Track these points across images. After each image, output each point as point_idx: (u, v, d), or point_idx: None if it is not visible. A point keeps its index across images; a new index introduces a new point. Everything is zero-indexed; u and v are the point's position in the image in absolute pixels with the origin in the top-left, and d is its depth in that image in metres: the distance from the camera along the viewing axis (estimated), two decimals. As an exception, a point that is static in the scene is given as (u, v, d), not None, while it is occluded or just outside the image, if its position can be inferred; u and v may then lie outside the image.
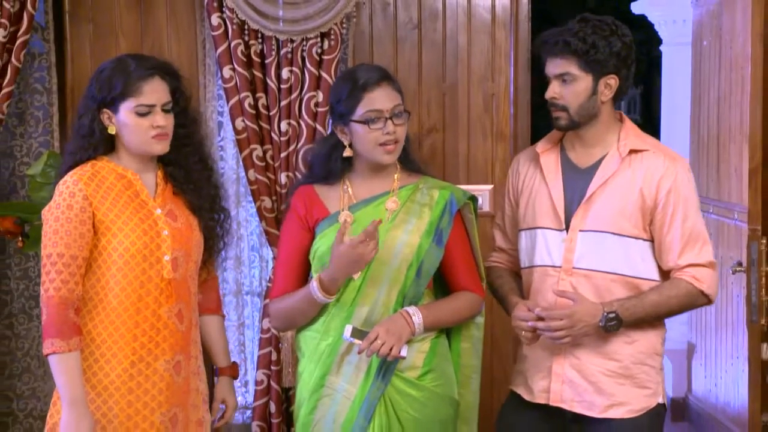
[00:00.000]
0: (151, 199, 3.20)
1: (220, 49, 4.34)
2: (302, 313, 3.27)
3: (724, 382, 5.68)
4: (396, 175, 3.33)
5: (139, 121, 3.11)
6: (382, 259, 3.20)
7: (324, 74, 4.35)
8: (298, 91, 4.37)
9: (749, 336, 3.85)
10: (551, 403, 3.27)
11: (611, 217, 3.19)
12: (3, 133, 4.42)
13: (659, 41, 7.31)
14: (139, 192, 3.18)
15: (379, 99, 3.21)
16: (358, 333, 3.14)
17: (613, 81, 3.20)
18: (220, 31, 4.34)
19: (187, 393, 3.24)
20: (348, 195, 3.30)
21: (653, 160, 3.21)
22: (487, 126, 4.68)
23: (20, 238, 4.28)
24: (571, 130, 3.24)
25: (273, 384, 4.48)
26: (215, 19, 4.33)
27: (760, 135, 3.85)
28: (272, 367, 4.48)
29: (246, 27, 4.33)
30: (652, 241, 3.22)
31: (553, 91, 3.20)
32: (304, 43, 4.35)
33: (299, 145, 4.37)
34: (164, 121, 3.13)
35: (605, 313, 3.13)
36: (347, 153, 3.27)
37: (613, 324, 3.14)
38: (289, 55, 4.34)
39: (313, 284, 3.18)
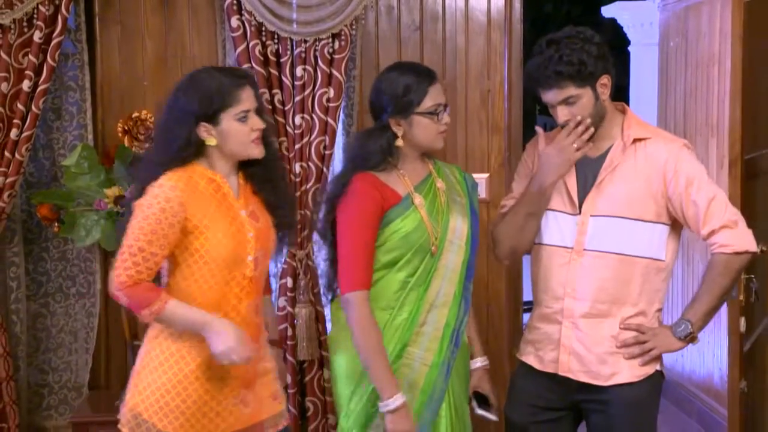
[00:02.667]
0: (236, 201, 3.13)
1: (239, 49, 4.32)
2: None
3: (690, 353, 5.74)
4: (425, 159, 3.33)
5: (241, 127, 3.04)
6: (450, 238, 3.22)
7: (335, 72, 4.34)
8: (311, 87, 4.35)
9: (729, 311, 3.89)
10: (560, 373, 3.29)
11: (620, 202, 3.20)
12: (43, 127, 4.40)
13: (627, 42, 7.35)
14: (226, 194, 3.11)
15: (441, 93, 3.23)
16: (485, 406, 3.41)
17: (606, 80, 3.20)
18: (239, 32, 4.32)
19: (255, 376, 3.18)
20: (406, 180, 3.24)
21: (656, 146, 3.23)
22: (484, 120, 4.69)
23: (56, 224, 4.26)
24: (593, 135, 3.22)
25: (289, 357, 4.47)
26: (234, 22, 4.31)
27: (739, 128, 3.87)
28: (288, 342, 4.47)
29: (263, 29, 4.31)
30: (663, 223, 3.23)
31: (564, 115, 3.17)
32: (317, 43, 4.33)
33: (312, 137, 4.36)
34: (261, 124, 3.07)
35: (679, 335, 3.24)
36: (400, 143, 3.21)
37: (690, 336, 3.24)
38: (303, 55, 4.33)
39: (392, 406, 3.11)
